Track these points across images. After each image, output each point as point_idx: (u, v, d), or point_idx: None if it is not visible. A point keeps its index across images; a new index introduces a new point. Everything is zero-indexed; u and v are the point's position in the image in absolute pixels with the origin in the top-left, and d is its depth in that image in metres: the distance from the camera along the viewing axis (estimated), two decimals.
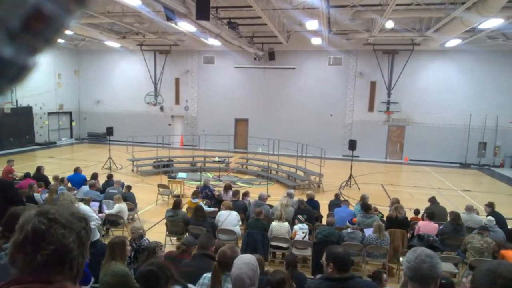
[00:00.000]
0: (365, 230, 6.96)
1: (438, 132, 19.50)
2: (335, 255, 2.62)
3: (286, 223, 7.11)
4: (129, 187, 9.53)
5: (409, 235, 7.28)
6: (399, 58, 19.44)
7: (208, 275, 2.84)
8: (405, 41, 17.56)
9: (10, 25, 0.54)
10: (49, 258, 0.96)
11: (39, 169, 10.42)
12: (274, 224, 7.03)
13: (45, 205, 1.08)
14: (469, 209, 7.82)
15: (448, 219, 7.54)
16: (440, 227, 7.22)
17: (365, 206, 7.58)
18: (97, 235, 5.58)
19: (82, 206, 4.58)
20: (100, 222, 4.89)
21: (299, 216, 7.06)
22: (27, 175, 9.75)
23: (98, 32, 17.15)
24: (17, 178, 10.30)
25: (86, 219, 1.08)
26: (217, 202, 8.88)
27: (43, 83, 21.45)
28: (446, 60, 19.18)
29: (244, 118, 22.07)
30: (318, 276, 4.65)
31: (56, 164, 16.04)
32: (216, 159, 16.71)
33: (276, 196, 10.72)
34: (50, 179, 10.10)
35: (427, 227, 7.10)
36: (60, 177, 9.71)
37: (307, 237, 6.91)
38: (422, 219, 7.63)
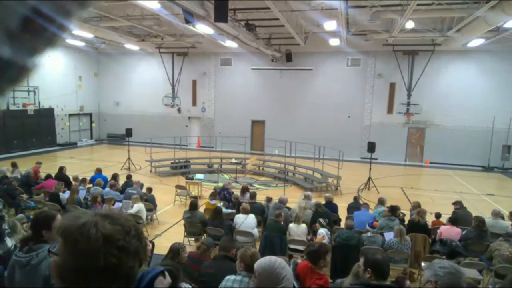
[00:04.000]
0: (385, 234, 6.82)
1: (459, 135, 19.00)
2: (375, 262, 2.61)
3: (304, 225, 7.06)
4: (150, 189, 9.66)
5: (430, 240, 7.11)
6: (419, 58, 19.05)
7: (230, 277, 2.82)
8: (425, 42, 17.19)
9: (10, 25, 0.53)
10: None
11: (61, 169, 10.68)
12: (292, 225, 6.99)
13: (103, 220, 0.87)
14: (496, 214, 7.55)
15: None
16: (463, 232, 7.01)
17: (393, 209, 7.47)
18: None
19: None
20: None
21: (321, 220, 6.96)
22: (49, 176, 10.02)
23: (117, 35, 17.46)
24: (41, 178, 10.61)
25: (142, 234, 0.95)
26: (234, 204, 8.86)
27: (64, 85, 22.05)
28: (469, 61, 18.69)
29: (260, 120, 22.05)
30: (344, 280, 4.57)
31: (76, 165, 16.39)
32: (233, 160, 16.74)
33: (293, 199, 10.65)
34: (72, 179, 10.37)
35: (449, 232, 6.91)
36: (81, 178, 9.95)
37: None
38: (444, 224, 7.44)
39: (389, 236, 6.61)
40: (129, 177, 10.51)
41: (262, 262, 2.03)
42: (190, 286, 3.18)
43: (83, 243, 0.82)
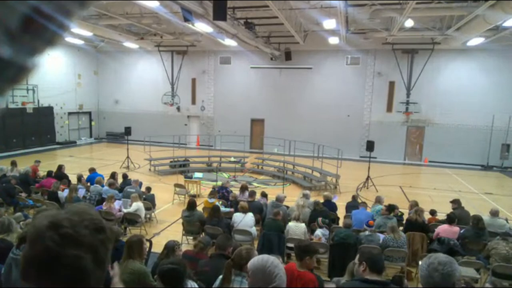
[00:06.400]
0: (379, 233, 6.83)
1: (459, 133, 19.00)
2: (369, 255, 2.68)
3: (303, 224, 7.05)
4: (149, 189, 9.66)
5: (428, 239, 7.12)
6: (418, 57, 19.04)
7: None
8: (425, 40, 17.17)
9: (10, 25, 0.53)
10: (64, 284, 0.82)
11: (60, 167, 10.69)
12: (291, 224, 6.98)
13: (59, 211, 0.89)
14: (494, 213, 7.55)
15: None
16: (461, 231, 7.02)
17: (391, 207, 7.50)
18: None
19: None
20: None
21: (320, 220, 6.94)
22: (49, 174, 10.02)
23: (116, 33, 17.44)
24: (40, 177, 10.61)
25: (104, 228, 0.92)
26: (232, 203, 8.86)
27: (63, 83, 22.03)
28: (468, 59, 18.68)
29: (260, 118, 22.04)
30: (342, 279, 4.59)
31: (76, 163, 16.39)
32: (232, 159, 16.74)
33: (292, 197, 10.65)
34: (71, 177, 10.38)
35: (447, 231, 6.92)
36: (78, 176, 9.96)
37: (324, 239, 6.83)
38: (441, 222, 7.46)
39: (383, 235, 6.63)
40: (125, 176, 10.51)
41: (255, 261, 2.04)
42: (196, 285, 3.18)
43: (30, 233, 0.83)
